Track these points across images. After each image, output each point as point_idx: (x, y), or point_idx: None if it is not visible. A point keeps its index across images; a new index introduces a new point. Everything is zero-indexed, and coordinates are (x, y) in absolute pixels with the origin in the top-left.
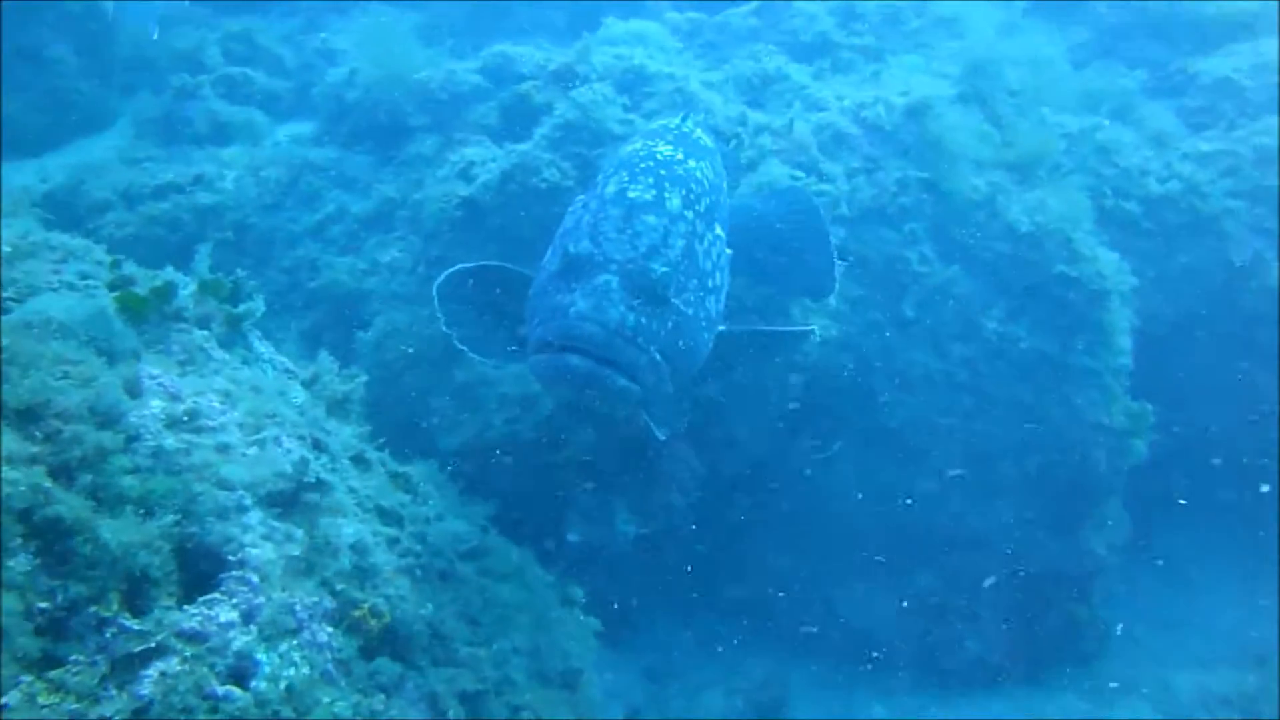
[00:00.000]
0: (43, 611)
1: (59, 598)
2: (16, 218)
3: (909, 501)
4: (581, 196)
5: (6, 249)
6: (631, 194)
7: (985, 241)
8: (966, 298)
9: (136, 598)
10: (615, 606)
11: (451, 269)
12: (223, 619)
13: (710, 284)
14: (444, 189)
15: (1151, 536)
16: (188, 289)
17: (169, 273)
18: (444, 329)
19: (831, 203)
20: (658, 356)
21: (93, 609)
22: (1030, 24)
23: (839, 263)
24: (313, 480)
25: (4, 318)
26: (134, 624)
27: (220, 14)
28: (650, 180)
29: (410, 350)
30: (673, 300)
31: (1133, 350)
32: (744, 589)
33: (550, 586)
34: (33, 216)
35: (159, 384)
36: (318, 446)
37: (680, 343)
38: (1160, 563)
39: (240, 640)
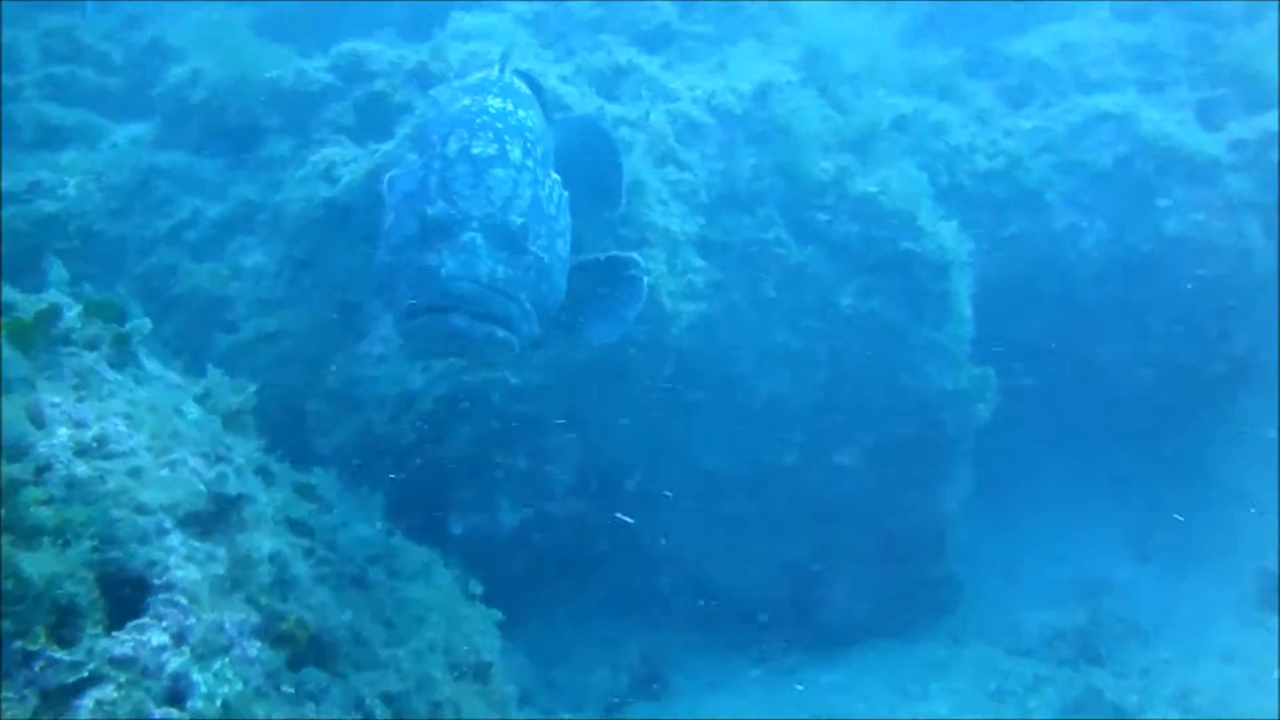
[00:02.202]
0: None
1: None
2: None
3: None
4: (411, 157)
5: None
6: (475, 150)
7: (836, 222)
8: (821, 276)
9: (63, 628)
10: (497, 593)
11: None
12: (155, 642)
13: (556, 227)
14: (306, 190)
15: (989, 489)
16: (73, 310)
17: (52, 294)
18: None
19: (691, 191)
20: (527, 305)
21: (18, 644)
22: (856, 6)
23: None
24: (231, 496)
25: None
26: (63, 655)
27: (31, 10)
28: (490, 135)
29: (281, 354)
30: (530, 248)
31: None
32: (620, 567)
33: (453, 582)
34: None
35: (62, 411)
36: (222, 462)
37: (543, 287)
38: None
39: (174, 662)
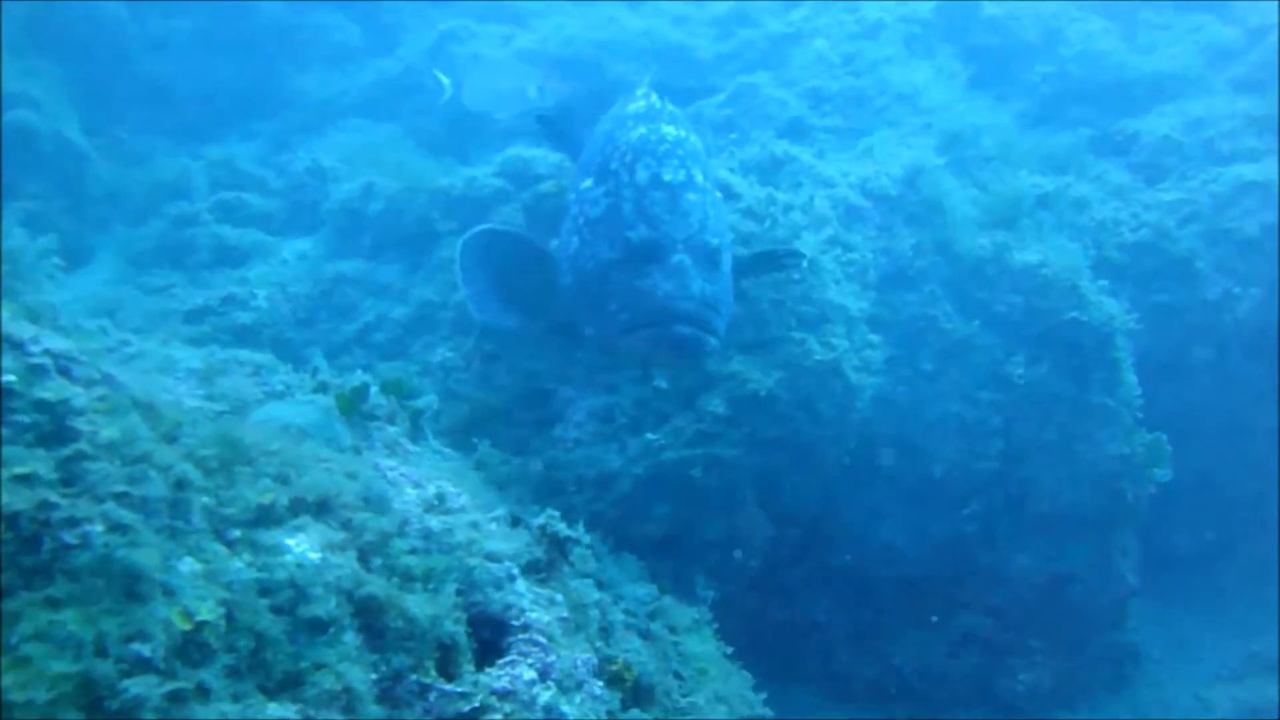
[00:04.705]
0: (374, 682)
1: (383, 669)
2: None
3: (954, 545)
4: (587, 183)
5: (199, 365)
6: (667, 177)
7: (998, 295)
8: (989, 348)
9: (444, 664)
10: None
11: (478, 228)
12: (525, 677)
13: (728, 241)
14: None
15: (1151, 560)
16: (374, 387)
17: (359, 375)
18: (460, 286)
19: (860, 270)
20: (725, 315)
21: (414, 677)
22: (975, 95)
23: None
24: (560, 543)
25: (246, 421)
26: (453, 687)
27: (181, 144)
28: (675, 162)
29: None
30: (722, 265)
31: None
32: (806, 643)
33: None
34: None
35: (400, 473)
36: (518, 523)
37: (730, 298)
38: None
39: (544, 695)
